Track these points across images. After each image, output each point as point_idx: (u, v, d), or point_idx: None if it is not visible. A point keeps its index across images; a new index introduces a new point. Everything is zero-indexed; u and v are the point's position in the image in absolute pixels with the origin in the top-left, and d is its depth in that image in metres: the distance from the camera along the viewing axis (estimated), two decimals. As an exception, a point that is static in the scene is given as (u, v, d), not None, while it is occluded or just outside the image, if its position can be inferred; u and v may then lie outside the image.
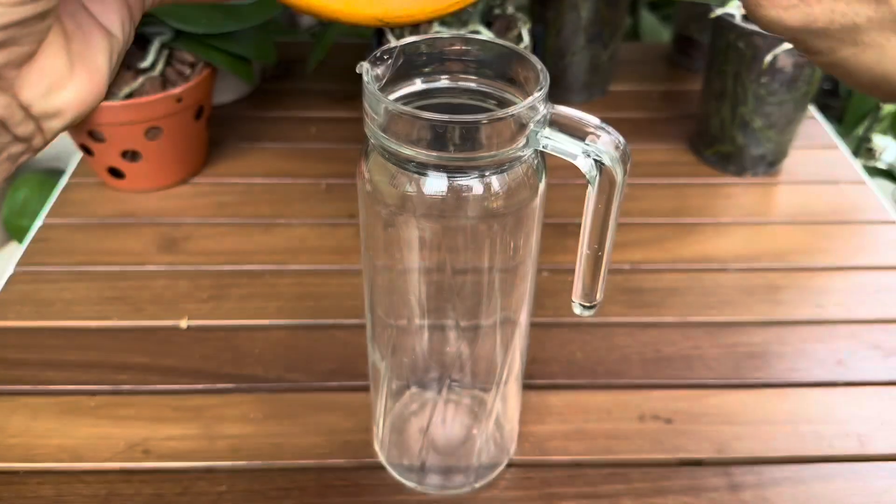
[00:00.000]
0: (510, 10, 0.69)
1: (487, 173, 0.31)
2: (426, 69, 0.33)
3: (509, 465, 0.43)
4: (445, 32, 0.63)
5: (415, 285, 0.37)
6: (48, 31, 0.21)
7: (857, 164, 0.70)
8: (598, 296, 0.34)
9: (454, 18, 0.65)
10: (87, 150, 0.62)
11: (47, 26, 0.21)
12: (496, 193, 0.32)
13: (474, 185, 0.31)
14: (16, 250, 0.60)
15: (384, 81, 0.32)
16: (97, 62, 0.23)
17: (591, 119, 0.30)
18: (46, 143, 0.23)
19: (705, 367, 0.50)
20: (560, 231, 0.61)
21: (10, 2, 0.19)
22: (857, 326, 0.53)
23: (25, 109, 0.21)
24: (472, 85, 0.33)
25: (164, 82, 0.60)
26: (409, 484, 0.42)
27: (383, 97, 0.30)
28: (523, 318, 0.38)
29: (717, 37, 0.64)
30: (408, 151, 0.30)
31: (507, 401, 0.41)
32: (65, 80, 0.22)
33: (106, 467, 0.43)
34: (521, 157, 0.31)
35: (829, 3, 0.20)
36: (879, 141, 0.92)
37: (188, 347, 0.50)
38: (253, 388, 0.48)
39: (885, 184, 0.91)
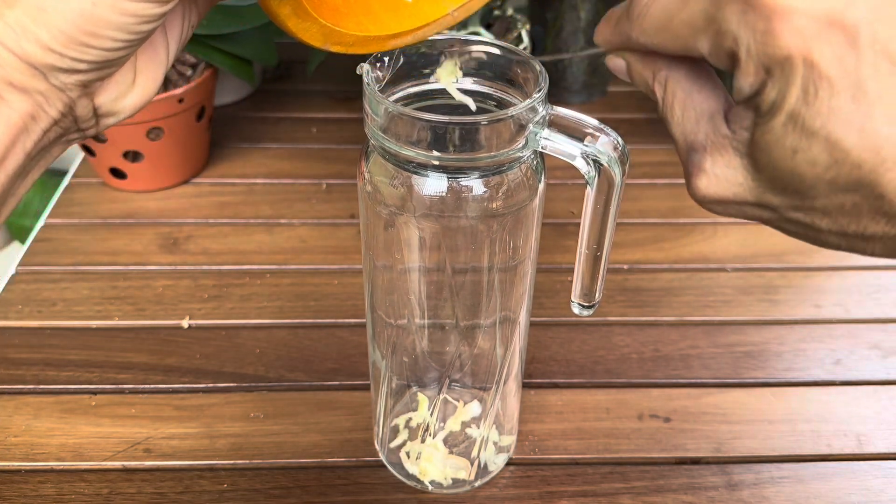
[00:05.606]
0: (509, 11, 0.69)
1: (487, 174, 0.31)
2: (426, 70, 0.33)
3: (508, 464, 0.43)
4: (445, 34, 0.63)
5: (415, 285, 0.37)
6: (130, 56, 0.25)
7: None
8: (597, 296, 0.35)
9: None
10: (88, 151, 0.62)
11: (134, 52, 0.25)
12: (495, 194, 0.32)
13: (474, 185, 0.32)
14: (18, 250, 0.60)
15: (384, 82, 0.32)
16: (155, 72, 0.27)
17: (590, 120, 0.30)
18: (97, 133, 0.27)
19: (703, 366, 0.50)
20: (559, 231, 0.61)
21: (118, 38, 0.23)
22: (855, 326, 0.53)
23: (95, 110, 0.26)
24: (472, 86, 0.34)
25: (166, 83, 0.60)
26: (409, 482, 0.42)
27: (383, 98, 0.30)
28: (522, 318, 0.39)
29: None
30: (408, 152, 0.30)
31: (507, 400, 0.42)
32: (129, 89, 0.26)
33: (107, 466, 0.43)
34: (520, 157, 0.31)
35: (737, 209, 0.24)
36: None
37: (189, 347, 0.50)
38: (254, 387, 0.48)
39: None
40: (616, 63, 0.26)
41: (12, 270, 0.56)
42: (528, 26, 0.68)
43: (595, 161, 0.30)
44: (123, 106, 0.26)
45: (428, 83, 0.34)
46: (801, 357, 0.51)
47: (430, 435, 0.42)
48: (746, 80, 0.20)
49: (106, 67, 0.24)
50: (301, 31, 0.28)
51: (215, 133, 0.70)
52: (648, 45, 0.24)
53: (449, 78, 0.32)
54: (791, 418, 0.47)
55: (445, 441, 0.42)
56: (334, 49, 0.29)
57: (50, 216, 0.61)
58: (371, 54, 0.31)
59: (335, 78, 0.80)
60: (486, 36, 0.65)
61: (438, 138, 0.29)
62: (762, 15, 0.19)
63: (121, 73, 0.26)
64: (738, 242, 0.61)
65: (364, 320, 0.48)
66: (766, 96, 0.20)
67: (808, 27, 0.19)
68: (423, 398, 0.42)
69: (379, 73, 0.32)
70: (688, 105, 0.24)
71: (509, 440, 0.43)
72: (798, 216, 0.22)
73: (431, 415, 0.42)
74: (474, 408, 0.42)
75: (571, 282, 0.35)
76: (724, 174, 0.23)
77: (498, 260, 0.35)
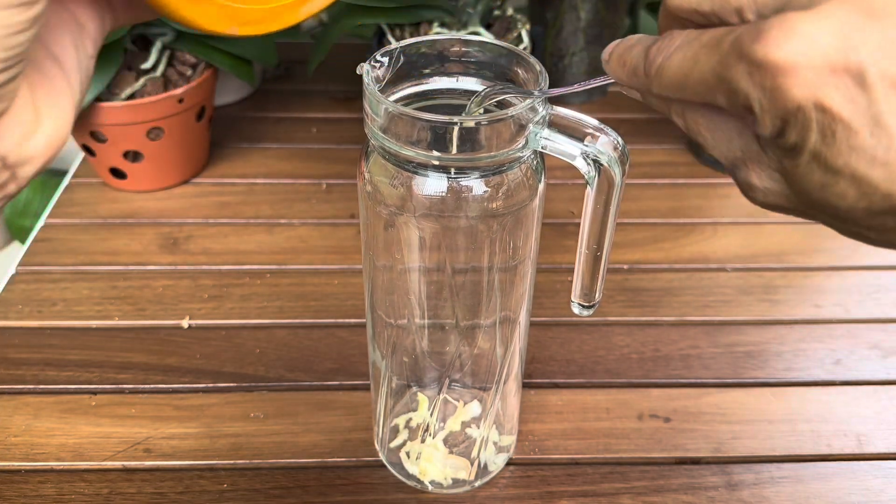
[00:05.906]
0: (510, 11, 0.69)
1: (487, 174, 0.31)
2: (426, 70, 0.33)
3: (508, 464, 0.43)
4: (445, 34, 0.63)
5: (415, 285, 0.37)
6: (19, 86, 0.22)
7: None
8: (597, 296, 0.35)
9: (454, 20, 0.65)
10: (88, 151, 0.62)
11: (18, 82, 0.22)
12: (495, 194, 0.32)
13: (474, 185, 0.32)
14: (18, 250, 0.60)
15: (384, 82, 0.32)
16: (62, 106, 0.24)
17: (590, 120, 0.30)
18: (20, 189, 0.23)
19: (703, 366, 0.50)
20: (559, 231, 0.61)
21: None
22: (855, 326, 0.53)
23: (2, 160, 0.22)
24: (472, 86, 0.34)
25: (166, 83, 0.60)
26: (409, 482, 0.42)
27: (383, 98, 0.30)
28: (522, 318, 0.39)
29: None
30: (408, 152, 0.30)
31: (507, 400, 0.42)
32: (34, 128, 0.23)
33: (107, 466, 0.43)
34: (520, 157, 0.31)
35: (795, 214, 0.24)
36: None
37: (189, 347, 0.50)
38: (254, 387, 0.48)
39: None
40: (631, 92, 0.27)
41: (12, 270, 0.56)
42: (528, 26, 0.68)
43: (595, 161, 0.30)
44: (35, 149, 0.23)
45: (428, 83, 0.34)
46: (801, 357, 0.51)
47: (430, 435, 0.42)
48: (766, 130, 0.21)
49: None
50: (198, 17, 0.25)
51: (215, 133, 0.70)
52: (669, 97, 0.24)
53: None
54: (791, 418, 0.47)
55: (445, 441, 0.42)
56: (243, 31, 0.25)
57: (50, 216, 0.61)
58: (369, 54, 0.31)
59: (335, 78, 0.80)
60: (486, 36, 0.65)
61: (438, 138, 0.29)
62: (768, 74, 0.20)
63: (17, 112, 0.22)
64: (738, 242, 0.61)
65: (364, 320, 0.48)
66: (787, 140, 0.21)
67: (813, 79, 0.19)
68: (423, 398, 0.42)
69: (379, 73, 0.32)
70: (713, 127, 0.24)
71: (509, 440, 0.43)
72: (847, 227, 0.23)
73: (431, 415, 0.42)
74: (474, 408, 0.42)
75: (571, 282, 0.35)
76: (771, 187, 0.23)
77: (498, 260, 0.35)
